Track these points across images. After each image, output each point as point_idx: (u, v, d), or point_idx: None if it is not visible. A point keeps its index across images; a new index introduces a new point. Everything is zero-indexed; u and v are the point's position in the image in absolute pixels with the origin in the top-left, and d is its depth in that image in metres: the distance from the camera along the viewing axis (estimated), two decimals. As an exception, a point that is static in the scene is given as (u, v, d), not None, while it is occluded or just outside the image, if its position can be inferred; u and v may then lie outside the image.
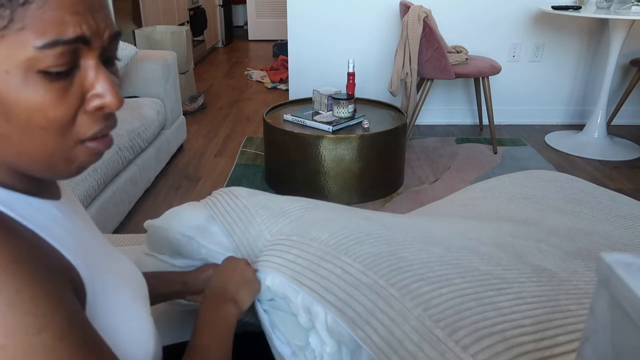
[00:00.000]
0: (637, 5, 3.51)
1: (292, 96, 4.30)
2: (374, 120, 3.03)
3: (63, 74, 0.57)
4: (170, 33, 4.45)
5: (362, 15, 4.14)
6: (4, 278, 0.51)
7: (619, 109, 4.22)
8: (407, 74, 3.59)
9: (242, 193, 1.21)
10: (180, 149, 3.75)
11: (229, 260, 1.02)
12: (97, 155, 0.64)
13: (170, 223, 1.12)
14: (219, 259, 1.09)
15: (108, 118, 0.63)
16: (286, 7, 4.14)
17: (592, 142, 3.88)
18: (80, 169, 0.64)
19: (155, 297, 1.05)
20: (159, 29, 4.61)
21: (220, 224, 1.13)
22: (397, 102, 3.96)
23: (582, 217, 1.37)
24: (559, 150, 3.85)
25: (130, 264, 0.86)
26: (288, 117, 3.00)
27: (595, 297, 0.45)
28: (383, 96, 4.18)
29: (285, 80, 5.84)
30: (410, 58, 3.55)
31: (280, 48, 7.27)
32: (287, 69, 4.43)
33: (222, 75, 6.51)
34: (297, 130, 2.86)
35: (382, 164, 2.94)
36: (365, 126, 2.90)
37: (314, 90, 3.08)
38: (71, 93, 0.58)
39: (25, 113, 0.56)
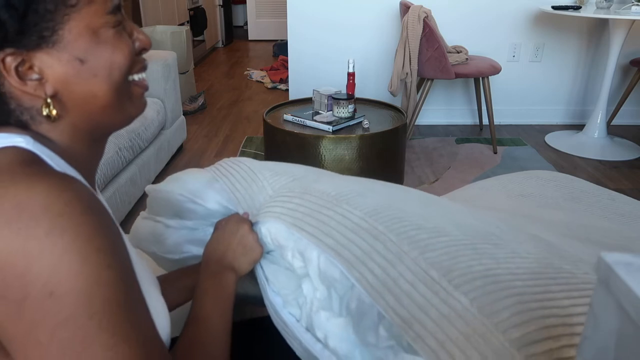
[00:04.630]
0: (637, 5, 3.51)
1: (292, 96, 4.30)
2: (374, 120, 3.03)
3: (121, 27, 0.73)
4: (170, 33, 4.45)
5: (362, 15, 4.14)
6: (85, 218, 0.59)
7: (619, 109, 4.22)
8: (407, 74, 3.59)
9: (245, 159, 1.23)
10: (180, 149, 3.75)
11: (231, 222, 1.02)
12: (144, 89, 0.80)
13: (172, 185, 1.14)
14: (215, 217, 1.10)
15: (144, 60, 0.80)
16: (286, 7, 4.13)
17: (592, 142, 3.88)
18: (142, 103, 0.81)
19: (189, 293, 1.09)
20: (159, 29, 4.60)
21: (222, 182, 1.14)
22: (397, 102, 3.96)
23: (581, 215, 1.37)
24: (558, 150, 3.85)
25: (140, 255, 0.92)
26: (288, 117, 3.00)
27: (595, 296, 0.45)
28: (383, 96, 4.18)
29: (285, 80, 5.84)
30: (410, 58, 3.55)
31: (280, 48, 7.26)
32: (287, 69, 4.43)
33: (222, 75, 6.51)
34: (297, 130, 2.86)
35: (382, 164, 2.94)
36: (365, 126, 2.90)
37: (314, 90, 3.08)
38: (127, 37, 0.74)
39: (110, 60, 0.70)
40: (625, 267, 0.41)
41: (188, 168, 1.20)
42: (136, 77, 0.77)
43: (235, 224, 1.00)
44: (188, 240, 1.15)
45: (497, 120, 4.38)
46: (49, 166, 0.66)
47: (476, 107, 4.33)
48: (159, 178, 3.29)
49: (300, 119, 2.95)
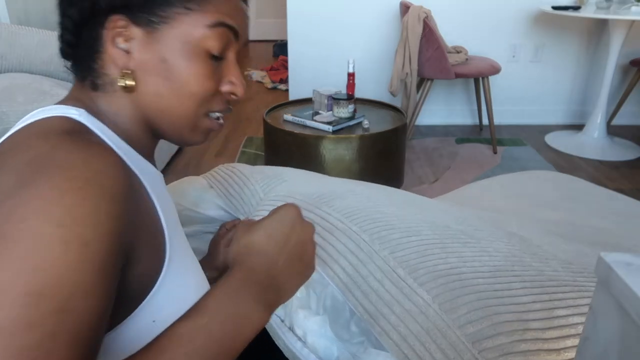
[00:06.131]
0: (637, 5, 3.51)
1: (292, 96, 4.30)
2: (374, 121, 3.03)
3: (217, 58, 0.74)
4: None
5: (362, 15, 4.14)
6: (85, 199, 0.55)
7: (619, 109, 4.23)
8: (407, 74, 3.59)
9: (239, 165, 1.27)
10: (180, 149, 3.75)
11: (289, 213, 0.73)
12: (215, 129, 0.80)
13: (171, 194, 1.17)
14: (215, 224, 1.13)
15: (231, 103, 0.80)
16: (286, 7, 4.13)
17: (592, 142, 3.88)
18: (201, 137, 0.79)
19: None
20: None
21: (217, 188, 1.18)
22: (397, 102, 3.95)
23: (576, 214, 1.37)
24: (558, 151, 3.85)
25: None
26: (288, 117, 3.00)
27: (595, 296, 0.45)
28: (383, 96, 4.18)
29: (285, 81, 5.84)
30: (410, 58, 3.55)
31: (281, 48, 7.25)
32: (287, 69, 4.43)
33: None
34: (297, 130, 2.86)
35: (382, 164, 2.94)
36: (365, 126, 2.90)
37: (314, 90, 3.08)
38: (217, 74, 0.75)
39: (185, 78, 0.72)
40: (625, 267, 0.42)
41: (188, 168, 1.23)
42: (212, 114, 0.78)
43: (300, 221, 0.72)
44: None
45: (497, 120, 4.38)
46: (94, 137, 0.68)
47: (476, 107, 4.33)
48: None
49: (300, 119, 2.95)
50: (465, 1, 4.08)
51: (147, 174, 0.73)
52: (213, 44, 0.72)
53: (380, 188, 1.14)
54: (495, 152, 3.77)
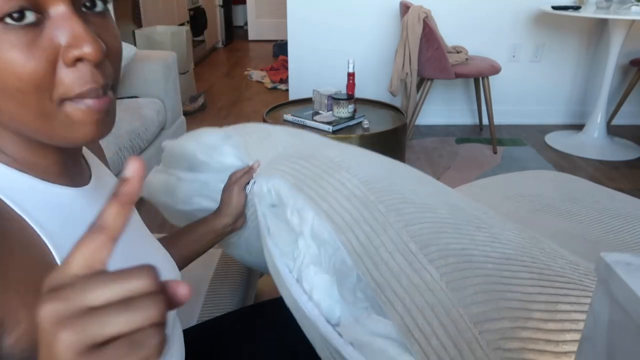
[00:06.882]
0: (637, 5, 3.51)
1: (292, 96, 4.30)
2: (374, 120, 3.02)
3: (28, 25, 0.51)
4: (170, 33, 4.45)
5: (362, 15, 4.14)
6: None
7: (619, 109, 4.23)
8: (407, 74, 3.59)
9: (262, 123, 1.29)
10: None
11: None
12: (95, 114, 0.57)
13: (188, 139, 1.21)
14: (227, 172, 1.16)
15: (97, 70, 0.56)
16: (286, 7, 4.14)
17: (592, 142, 3.89)
18: (86, 135, 0.58)
19: (196, 252, 1.11)
20: (159, 29, 4.61)
21: (236, 138, 1.19)
22: (397, 102, 3.95)
23: (575, 218, 1.38)
24: (558, 150, 3.85)
25: (164, 259, 0.86)
26: (288, 117, 3.00)
27: (595, 296, 0.45)
28: (383, 96, 4.18)
29: (285, 81, 5.84)
30: (410, 58, 3.55)
31: (281, 48, 7.26)
32: (287, 69, 4.43)
33: (222, 75, 6.51)
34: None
35: (382, 164, 2.93)
36: (365, 126, 2.90)
37: (314, 90, 3.08)
38: (40, 45, 0.52)
39: None
40: (625, 267, 0.42)
41: None
42: (82, 102, 0.56)
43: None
44: (199, 193, 1.21)
45: (497, 120, 4.38)
46: None
47: (476, 107, 4.33)
48: (159, 178, 3.29)
49: (300, 119, 2.95)
50: (466, 1, 4.09)
51: (33, 199, 0.60)
52: (2, 7, 0.49)
53: (398, 163, 1.15)
54: (495, 152, 3.77)
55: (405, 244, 0.80)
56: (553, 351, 0.70)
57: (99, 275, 0.38)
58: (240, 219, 1.14)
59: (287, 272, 0.92)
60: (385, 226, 0.83)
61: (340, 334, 0.81)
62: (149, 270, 0.39)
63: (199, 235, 1.11)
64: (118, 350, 0.37)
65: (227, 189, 1.12)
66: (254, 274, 1.62)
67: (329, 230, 0.84)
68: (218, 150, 1.18)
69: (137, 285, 0.38)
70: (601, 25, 4.17)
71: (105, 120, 0.59)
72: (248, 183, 1.12)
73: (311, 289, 0.86)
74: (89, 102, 0.56)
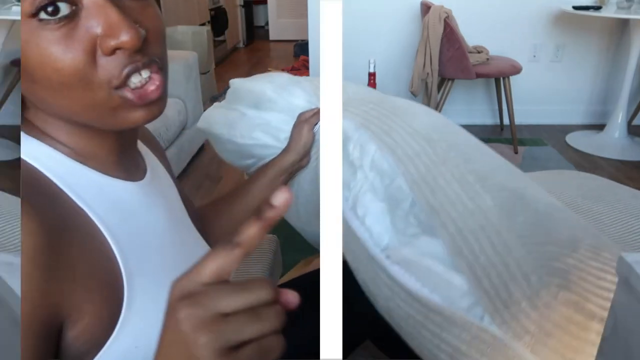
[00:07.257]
0: (660, 5, 3.48)
1: (313, 96, 4.30)
2: (395, 121, 3.02)
3: (63, 18, 0.51)
4: (191, 33, 4.47)
5: (382, 15, 4.15)
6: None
7: (641, 109, 4.19)
8: (428, 74, 3.59)
9: None
10: (201, 149, 3.80)
11: None
12: (143, 98, 0.58)
13: (259, 78, 1.29)
14: (294, 113, 1.19)
15: (136, 56, 0.56)
16: (307, 6, 4.14)
17: (613, 142, 3.86)
18: (137, 118, 0.59)
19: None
20: (180, 29, 4.63)
21: (305, 82, 1.25)
22: (418, 102, 3.95)
23: (596, 217, 1.38)
24: (579, 150, 3.83)
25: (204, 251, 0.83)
26: (310, 117, 3.01)
27: (616, 295, 0.45)
28: (404, 96, 4.15)
29: (305, 80, 5.84)
30: (431, 58, 3.55)
31: (302, 48, 7.25)
32: (308, 69, 4.43)
33: (244, 75, 6.42)
34: (319, 129, 2.86)
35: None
36: (386, 126, 2.90)
37: (335, 90, 3.09)
38: (77, 38, 0.52)
39: (40, 70, 0.52)
40: (645, 267, 0.42)
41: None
42: (130, 88, 0.57)
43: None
44: (261, 128, 1.24)
45: (518, 120, 4.36)
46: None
47: (497, 107, 4.32)
48: (180, 178, 3.32)
49: (322, 118, 2.96)
50: (486, 1, 4.08)
51: (91, 190, 0.61)
52: (36, 2, 0.50)
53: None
54: (516, 152, 3.76)
55: (463, 176, 0.84)
56: (594, 283, 0.72)
57: (226, 285, 0.44)
58: (305, 158, 1.16)
59: (343, 201, 0.94)
60: (445, 160, 0.87)
61: (387, 256, 0.84)
62: (267, 282, 0.46)
63: (269, 179, 1.11)
64: (251, 354, 0.43)
65: (296, 127, 1.15)
66: (275, 272, 1.63)
67: (389, 162, 0.88)
68: (288, 89, 1.23)
69: (261, 296, 0.45)
70: (622, 26, 4.14)
71: (155, 102, 0.60)
72: (316, 124, 1.15)
73: (364, 215, 0.89)
74: (136, 84, 0.57)
